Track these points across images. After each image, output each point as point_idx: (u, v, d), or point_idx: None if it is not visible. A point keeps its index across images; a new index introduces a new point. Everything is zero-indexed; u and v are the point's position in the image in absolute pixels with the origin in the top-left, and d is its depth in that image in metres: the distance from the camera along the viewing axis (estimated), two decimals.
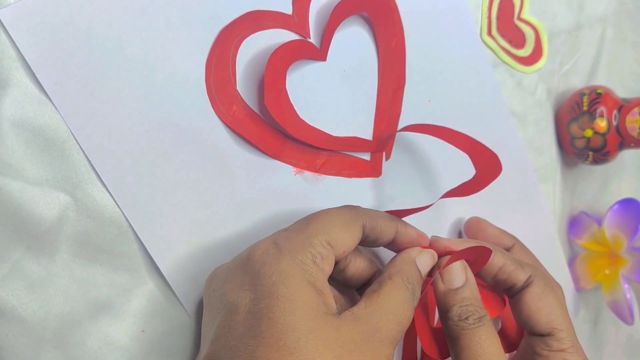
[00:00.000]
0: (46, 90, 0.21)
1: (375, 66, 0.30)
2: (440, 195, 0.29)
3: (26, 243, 0.21)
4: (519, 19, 0.38)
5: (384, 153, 0.31)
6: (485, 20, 0.35)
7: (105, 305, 0.23)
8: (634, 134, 0.38)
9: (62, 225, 0.22)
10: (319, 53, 0.27)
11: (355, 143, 0.29)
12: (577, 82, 0.44)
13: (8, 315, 0.21)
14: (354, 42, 0.29)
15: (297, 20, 0.27)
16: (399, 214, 0.27)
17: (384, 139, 0.30)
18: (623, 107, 0.38)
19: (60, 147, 0.22)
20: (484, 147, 0.28)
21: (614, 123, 0.38)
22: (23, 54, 0.20)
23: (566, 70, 0.42)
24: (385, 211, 0.26)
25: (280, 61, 0.25)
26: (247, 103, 0.26)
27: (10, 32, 0.20)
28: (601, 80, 0.45)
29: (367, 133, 0.30)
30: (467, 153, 0.29)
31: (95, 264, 0.23)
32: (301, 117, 0.27)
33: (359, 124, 0.30)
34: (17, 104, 0.21)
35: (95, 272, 0.23)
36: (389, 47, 0.30)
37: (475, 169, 0.28)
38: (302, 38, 0.27)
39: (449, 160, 0.33)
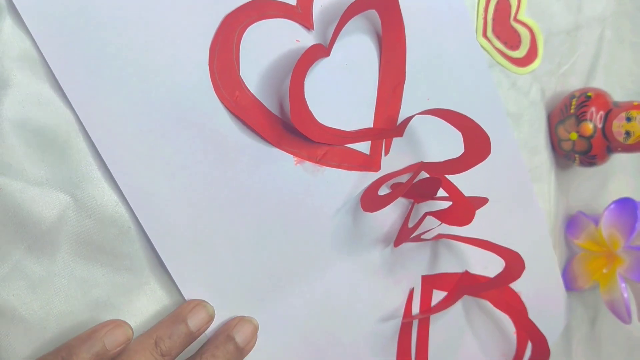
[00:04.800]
0: (50, 67, 0.21)
1: (375, 61, 0.30)
2: (423, 163, 0.29)
3: (26, 243, 0.21)
4: (515, 20, 0.38)
5: (383, 148, 0.31)
6: (481, 22, 0.35)
7: (107, 306, 0.23)
8: (620, 138, 0.38)
9: (63, 225, 0.22)
10: (326, 51, 0.28)
11: (373, 132, 0.30)
12: (576, 82, 0.44)
13: (8, 315, 0.21)
14: (356, 36, 0.29)
15: (301, 11, 0.27)
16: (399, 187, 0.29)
17: (402, 123, 0.31)
18: (611, 111, 0.38)
19: (60, 147, 0.22)
20: (477, 127, 0.28)
21: (600, 127, 0.38)
22: (30, 30, 0.20)
23: (565, 71, 0.42)
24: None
25: (301, 74, 0.26)
26: (250, 90, 0.26)
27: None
28: (599, 81, 0.46)
29: (367, 126, 0.30)
30: (459, 130, 0.29)
31: (96, 264, 0.23)
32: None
33: (359, 117, 0.30)
34: (17, 104, 0.21)
35: (96, 272, 0.23)
36: (392, 43, 0.30)
37: (465, 148, 0.29)
38: (305, 29, 0.27)
39: (447, 157, 0.33)
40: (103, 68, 0.22)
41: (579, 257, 0.45)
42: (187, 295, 0.25)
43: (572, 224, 0.45)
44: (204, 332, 0.24)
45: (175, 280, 0.24)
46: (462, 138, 0.29)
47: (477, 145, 0.28)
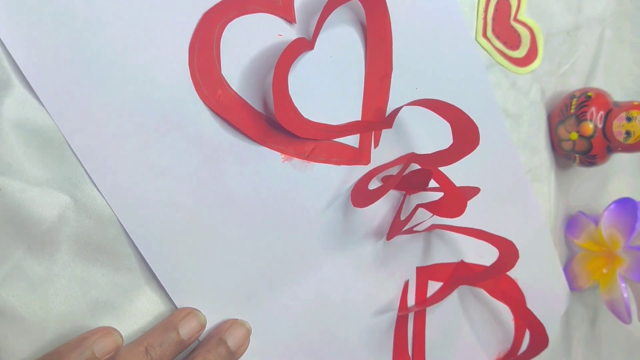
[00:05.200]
0: (22, 69, 0.20)
1: (361, 52, 0.30)
2: (413, 154, 0.29)
3: (26, 243, 0.21)
4: (515, 19, 0.38)
5: (372, 141, 0.31)
6: (481, 22, 0.35)
7: (106, 306, 0.23)
8: (620, 138, 0.38)
9: (62, 226, 0.22)
10: (309, 44, 0.27)
11: (361, 125, 0.29)
12: (576, 82, 0.44)
13: (8, 315, 0.21)
14: (340, 27, 0.29)
15: (282, 4, 0.26)
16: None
17: (391, 114, 0.30)
18: (611, 110, 0.38)
19: (60, 147, 0.22)
20: (466, 117, 0.28)
21: (600, 126, 0.38)
22: None
23: (564, 71, 0.42)
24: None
25: (284, 69, 0.25)
26: (233, 88, 0.25)
27: None
28: (599, 81, 0.46)
29: (355, 119, 0.30)
30: (447, 121, 0.29)
31: (95, 264, 0.23)
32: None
33: (346, 110, 0.29)
34: (17, 104, 0.21)
35: (95, 272, 0.23)
36: (377, 33, 0.30)
37: (454, 138, 0.29)
38: (287, 23, 0.27)
39: (438, 148, 0.33)
40: (79, 71, 0.21)
41: (579, 257, 0.45)
42: (177, 299, 0.24)
43: (572, 224, 0.45)
44: (195, 340, 0.24)
45: (164, 285, 0.24)
46: (450, 129, 0.29)
47: (465, 135, 0.28)
